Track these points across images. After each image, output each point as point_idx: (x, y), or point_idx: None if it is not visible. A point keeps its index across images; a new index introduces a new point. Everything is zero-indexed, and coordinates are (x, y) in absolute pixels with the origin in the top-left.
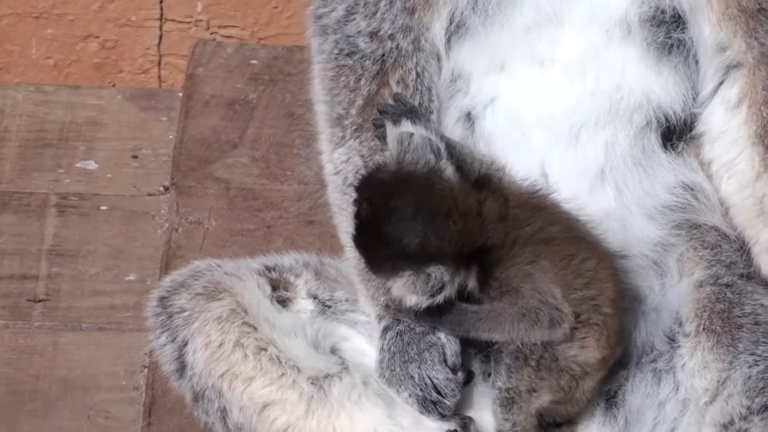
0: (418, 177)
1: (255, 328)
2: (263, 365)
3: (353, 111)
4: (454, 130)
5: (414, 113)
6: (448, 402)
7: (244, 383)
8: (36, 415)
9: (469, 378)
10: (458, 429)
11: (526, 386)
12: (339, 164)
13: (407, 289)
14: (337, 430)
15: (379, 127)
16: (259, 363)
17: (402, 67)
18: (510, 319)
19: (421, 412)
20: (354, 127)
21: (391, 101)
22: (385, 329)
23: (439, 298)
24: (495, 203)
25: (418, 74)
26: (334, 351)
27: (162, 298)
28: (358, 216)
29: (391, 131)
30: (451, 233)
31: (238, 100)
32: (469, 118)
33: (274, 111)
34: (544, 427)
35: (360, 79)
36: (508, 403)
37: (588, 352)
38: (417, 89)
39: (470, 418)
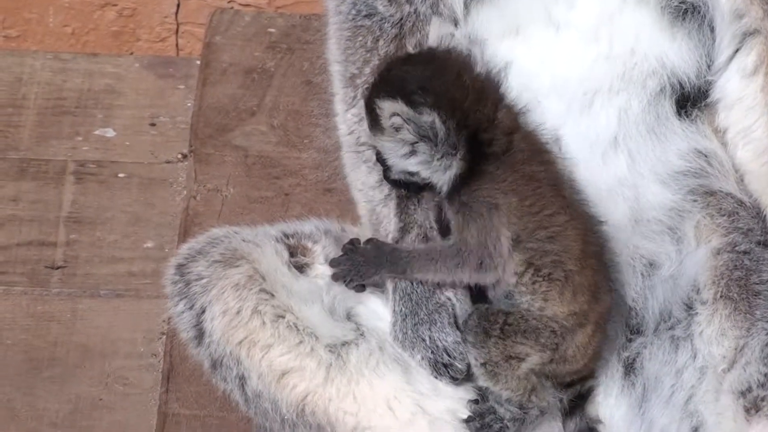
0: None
1: (272, 295)
2: (281, 332)
3: (367, 70)
4: None
5: None
6: (459, 365)
7: (262, 351)
8: (54, 381)
9: None
10: (478, 399)
11: (501, 355)
12: (352, 125)
13: (399, 117)
14: (357, 397)
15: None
16: (277, 330)
17: (420, 32)
18: (442, 254)
19: (434, 376)
20: (366, 86)
21: None
22: (394, 288)
23: (427, 149)
24: (509, 115)
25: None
26: (349, 317)
27: (180, 266)
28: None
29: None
30: (457, 92)
31: (255, 69)
32: None
33: (291, 79)
34: (561, 389)
35: (378, 41)
36: (491, 375)
37: (553, 305)
38: None
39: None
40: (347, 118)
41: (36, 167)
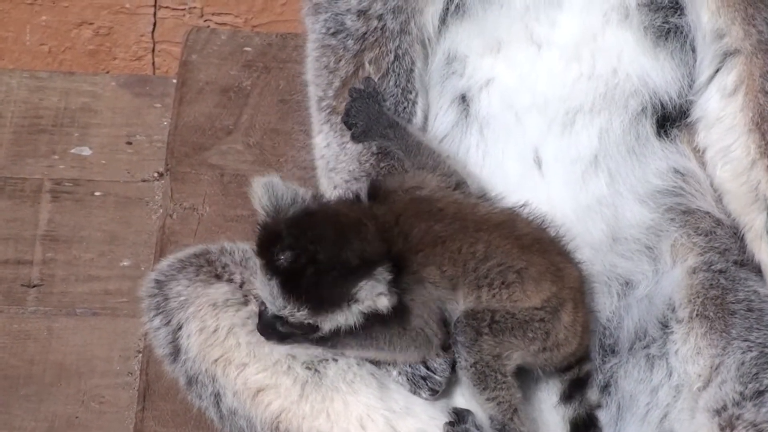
0: (309, 211)
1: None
2: (257, 352)
3: (330, 93)
4: (448, 113)
5: (377, 97)
6: (439, 377)
7: (237, 369)
8: (30, 400)
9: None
10: (454, 421)
11: (491, 353)
12: (321, 149)
13: (373, 293)
14: (330, 415)
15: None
16: (253, 350)
17: (380, 48)
18: (390, 337)
19: (412, 391)
20: (328, 110)
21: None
22: None
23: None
24: (386, 215)
25: (397, 56)
26: None
27: (158, 282)
28: (283, 269)
29: (257, 183)
30: (370, 235)
31: (232, 87)
32: (463, 100)
33: (268, 98)
34: (560, 374)
35: (340, 60)
36: (480, 378)
37: (524, 303)
38: (392, 72)
39: (468, 411)
40: (317, 141)
41: (12, 185)
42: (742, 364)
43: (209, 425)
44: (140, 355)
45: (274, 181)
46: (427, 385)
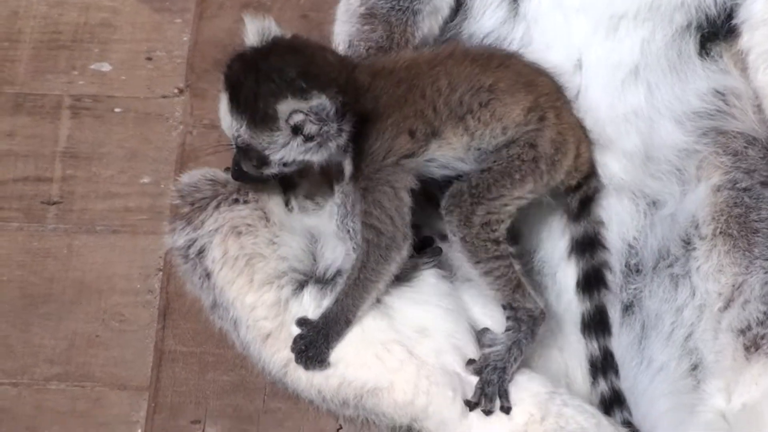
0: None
1: (272, 241)
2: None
3: None
4: (497, 10)
5: None
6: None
7: (250, 308)
8: (50, 318)
9: (426, 243)
10: (474, 359)
11: (479, 222)
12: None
13: (300, 113)
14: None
15: None
16: (261, 289)
17: None
18: (363, 274)
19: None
20: None
21: None
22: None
23: (328, 130)
24: (364, 71)
25: None
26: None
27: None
28: (229, 79)
29: (250, 23)
30: (330, 64)
31: (252, 2)
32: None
33: (288, 13)
34: (569, 193)
35: None
36: (472, 251)
37: (508, 117)
38: None
39: (484, 330)
40: None
41: (32, 101)
42: (766, 283)
43: (229, 345)
44: (161, 273)
45: (267, 25)
46: None
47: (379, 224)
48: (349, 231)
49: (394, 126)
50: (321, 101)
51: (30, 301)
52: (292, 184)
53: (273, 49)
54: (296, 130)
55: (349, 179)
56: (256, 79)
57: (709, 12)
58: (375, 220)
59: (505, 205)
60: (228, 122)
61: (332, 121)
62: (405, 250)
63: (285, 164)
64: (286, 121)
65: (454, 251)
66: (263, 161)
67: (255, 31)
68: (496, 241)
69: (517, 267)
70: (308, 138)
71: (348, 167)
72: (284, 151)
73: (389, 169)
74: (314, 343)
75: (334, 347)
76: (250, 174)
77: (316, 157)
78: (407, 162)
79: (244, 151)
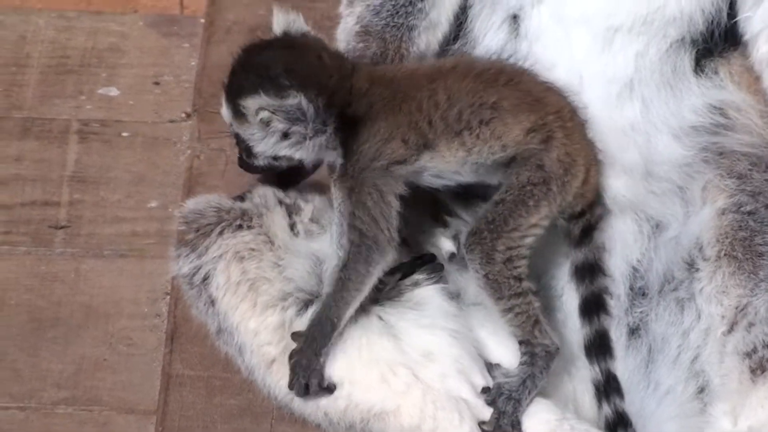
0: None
1: (277, 264)
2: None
3: None
4: (498, 32)
5: None
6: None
7: (253, 334)
8: (57, 342)
9: (427, 260)
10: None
11: (501, 260)
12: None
13: (266, 111)
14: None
15: None
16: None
17: None
18: (347, 276)
19: None
20: None
21: None
22: None
23: (300, 129)
24: (362, 77)
25: None
26: None
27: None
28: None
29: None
30: (322, 65)
31: (260, 27)
32: (514, 20)
33: None
34: (572, 220)
35: None
36: (494, 288)
37: (507, 135)
38: None
39: (495, 365)
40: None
41: (40, 126)
42: None
43: (236, 369)
44: (168, 297)
45: (293, 17)
46: None
47: (362, 225)
48: (343, 247)
49: (386, 131)
50: (297, 101)
51: (38, 325)
52: (298, 208)
53: (273, 43)
54: (267, 125)
55: (337, 178)
56: (245, 71)
57: (699, 28)
58: (358, 221)
59: (524, 236)
60: (223, 110)
61: (310, 121)
62: (389, 254)
63: (274, 158)
64: (255, 116)
65: (476, 286)
66: (249, 152)
67: (281, 22)
68: (519, 278)
69: (536, 304)
70: (285, 135)
71: (339, 167)
72: (263, 145)
73: (377, 173)
74: (304, 351)
75: (321, 353)
76: (250, 164)
77: (300, 155)
78: (397, 168)
79: (237, 141)
